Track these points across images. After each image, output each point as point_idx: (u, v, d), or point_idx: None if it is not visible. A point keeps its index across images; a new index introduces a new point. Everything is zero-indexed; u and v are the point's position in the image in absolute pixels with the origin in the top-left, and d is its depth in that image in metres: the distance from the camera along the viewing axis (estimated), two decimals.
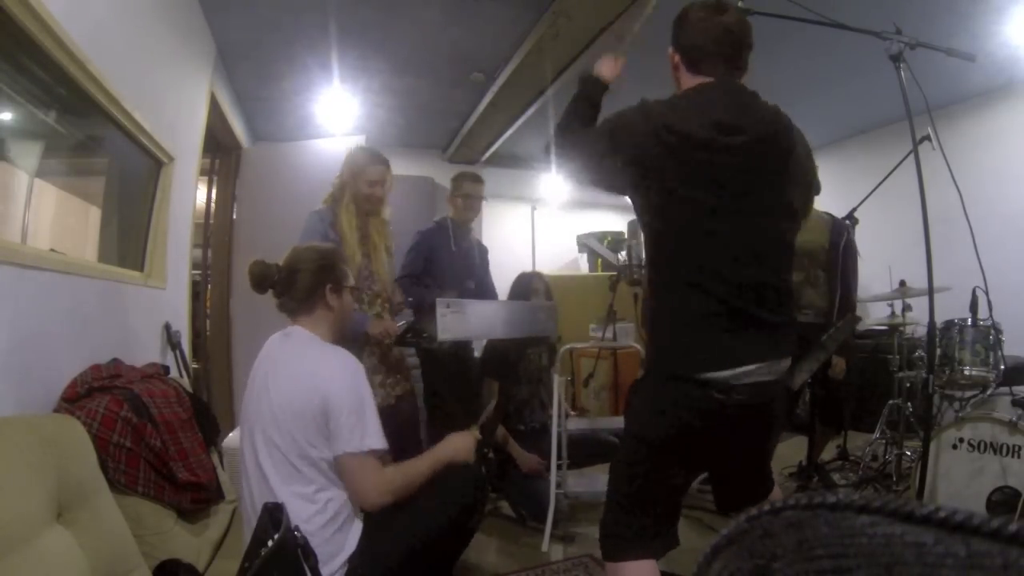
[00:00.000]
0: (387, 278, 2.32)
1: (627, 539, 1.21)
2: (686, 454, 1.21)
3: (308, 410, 1.35)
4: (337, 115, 4.04)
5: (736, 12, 1.21)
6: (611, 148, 1.19)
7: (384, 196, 2.28)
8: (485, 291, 2.90)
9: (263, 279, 1.49)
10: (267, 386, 1.41)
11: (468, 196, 2.81)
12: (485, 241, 3.16)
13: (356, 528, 1.43)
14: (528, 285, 2.80)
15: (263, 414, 1.39)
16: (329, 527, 1.37)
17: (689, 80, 1.24)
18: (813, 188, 1.35)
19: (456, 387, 2.65)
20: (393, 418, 2.21)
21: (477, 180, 2.87)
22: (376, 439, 1.40)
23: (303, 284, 1.50)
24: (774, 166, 1.19)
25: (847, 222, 2.74)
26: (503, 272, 3.11)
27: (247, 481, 1.43)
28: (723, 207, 1.15)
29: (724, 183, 1.15)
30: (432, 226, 2.83)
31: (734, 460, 1.32)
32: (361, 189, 2.21)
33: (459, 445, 1.59)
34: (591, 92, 1.35)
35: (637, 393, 1.26)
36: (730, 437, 1.22)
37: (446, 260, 2.72)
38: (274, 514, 1.27)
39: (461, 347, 2.72)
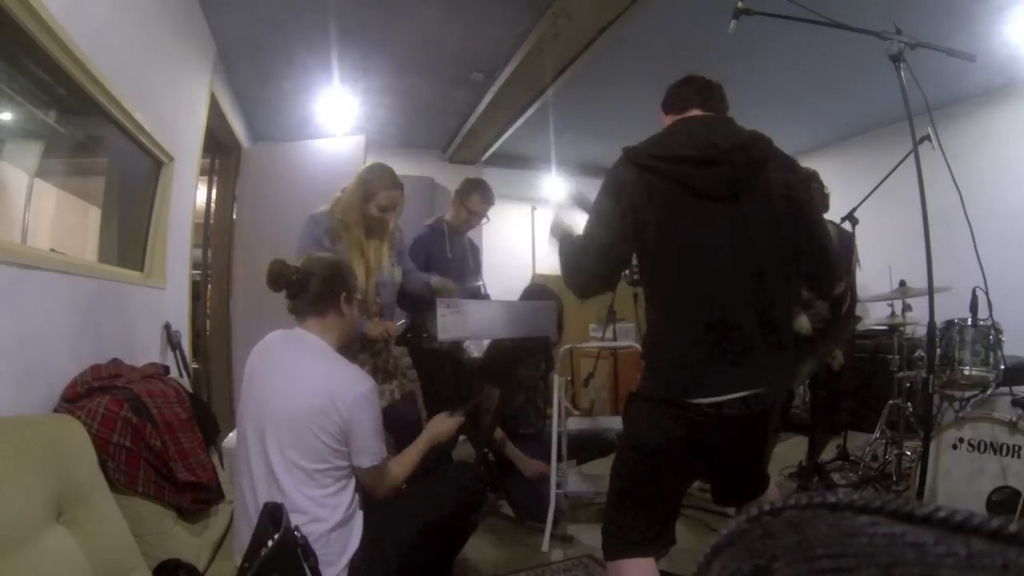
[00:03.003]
0: (373, 295, 2.20)
1: (626, 540, 1.25)
2: (679, 463, 1.26)
3: (332, 424, 1.38)
4: (337, 115, 4.04)
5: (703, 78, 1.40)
6: (614, 203, 1.25)
7: (392, 221, 2.19)
8: (475, 293, 2.89)
9: (279, 278, 1.51)
10: (280, 390, 1.42)
11: (473, 213, 2.75)
12: (485, 241, 3.15)
13: (358, 525, 1.45)
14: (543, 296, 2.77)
15: (274, 418, 1.40)
16: (336, 530, 1.38)
17: (677, 116, 1.36)
18: (805, 206, 1.31)
19: (451, 386, 2.65)
20: (394, 419, 2.21)
21: (487, 200, 2.77)
22: (384, 448, 1.49)
23: (318, 288, 1.52)
24: (752, 169, 1.22)
25: (852, 232, 2.72)
26: (503, 272, 3.11)
27: (251, 480, 1.42)
28: (710, 228, 1.19)
29: (707, 197, 1.19)
30: (425, 230, 2.77)
31: (729, 463, 1.36)
32: (371, 212, 2.11)
33: (441, 427, 1.72)
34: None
35: (632, 405, 1.31)
36: (723, 445, 1.26)
37: (441, 267, 2.68)
38: (274, 514, 1.27)
39: (454, 347, 2.71)
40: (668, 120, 1.38)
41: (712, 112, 1.34)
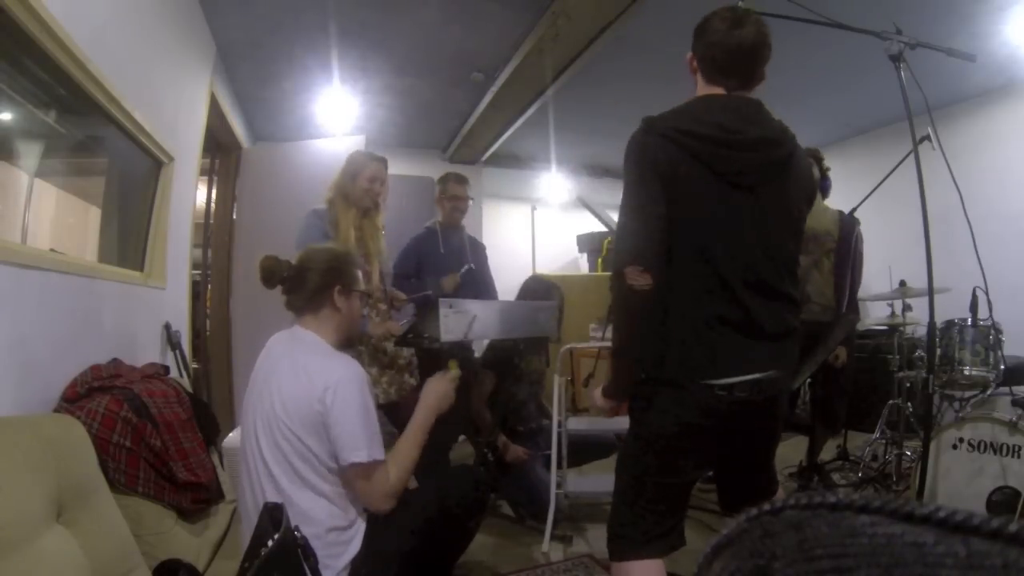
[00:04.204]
0: (378, 280, 2.32)
1: (633, 539, 1.21)
2: (689, 451, 1.22)
3: (310, 417, 1.33)
4: (337, 115, 4.04)
5: (754, 25, 1.19)
6: (641, 169, 1.18)
7: (382, 193, 2.29)
8: (483, 286, 2.89)
9: (272, 274, 1.48)
10: (272, 388, 1.40)
11: (455, 198, 2.86)
12: (485, 241, 3.15)
13: (360, 529, 1.43)
14: (546, 292, 2.77)
15: (270, 417, 1.38)
16: (334, 531, 1.37)
17: (703, 87, 1.27)
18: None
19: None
20: (397, 414, 2.21)
21: (461, 180, 2.92)
22: (379, 450, 1.37)
23: (312, 283, 1.48)
24: (775, 167, 1.21)
25: (856, 218, 2.70)
26: (503, 272, 3.10)
27: (251, 481, 1.41)
28: (727, 209, 1.17)
29: (726, 179, 1.17)
30: (423, 232, 2.89)
31: (738, 457, 1.33)
32: (360, 186, 2.23)
33: (439, 391, 1.56)
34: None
35: (638, 395, 1.27)
36: (733, 433, 1.23)
37: (434, 262, 2.77)
38: (274, 514, 1.27)
39: (461, 347, 2.71)
40: (693, 63, 1.27)
41: (743, 89, 1.24)
